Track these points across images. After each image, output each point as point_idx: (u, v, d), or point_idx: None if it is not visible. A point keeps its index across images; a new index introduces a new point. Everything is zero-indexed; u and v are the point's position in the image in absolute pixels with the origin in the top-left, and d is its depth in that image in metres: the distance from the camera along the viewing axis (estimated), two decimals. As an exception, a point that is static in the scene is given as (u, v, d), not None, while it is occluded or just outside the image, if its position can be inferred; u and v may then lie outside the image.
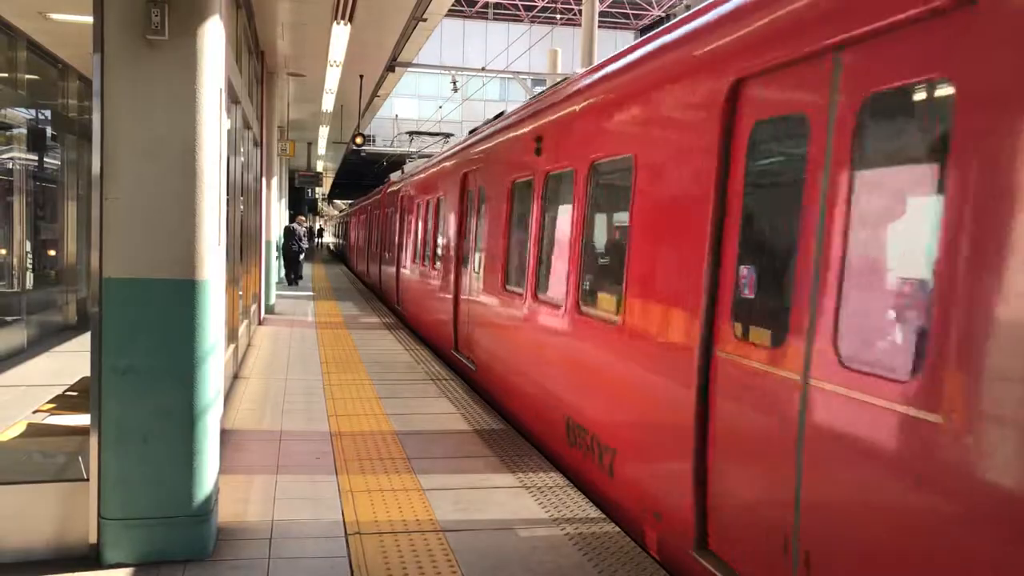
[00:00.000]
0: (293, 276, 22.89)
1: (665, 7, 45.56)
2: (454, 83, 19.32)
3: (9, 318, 9.53)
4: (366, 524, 4.63)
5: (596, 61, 13.12)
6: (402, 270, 15.43)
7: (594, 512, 4.91)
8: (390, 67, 15.85)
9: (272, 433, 6.61)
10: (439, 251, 11.74)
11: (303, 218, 25.82)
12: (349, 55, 13.34)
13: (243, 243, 10.13)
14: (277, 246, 21.57)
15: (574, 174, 6.03)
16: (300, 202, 39.76)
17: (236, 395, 8.01)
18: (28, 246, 10.11)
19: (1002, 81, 2.49)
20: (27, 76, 9.90)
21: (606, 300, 5.44)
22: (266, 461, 5.82)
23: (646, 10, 46.96)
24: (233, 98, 8.19)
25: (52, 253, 11.41)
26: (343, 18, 10.68)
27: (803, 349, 3.29)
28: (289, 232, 22.76)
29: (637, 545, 4.44)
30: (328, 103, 18.44)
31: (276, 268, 18.71)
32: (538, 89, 13.87)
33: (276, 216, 18.15)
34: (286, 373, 9.22)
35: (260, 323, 13.63)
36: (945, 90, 2.72)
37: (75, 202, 11.52)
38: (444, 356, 11.01)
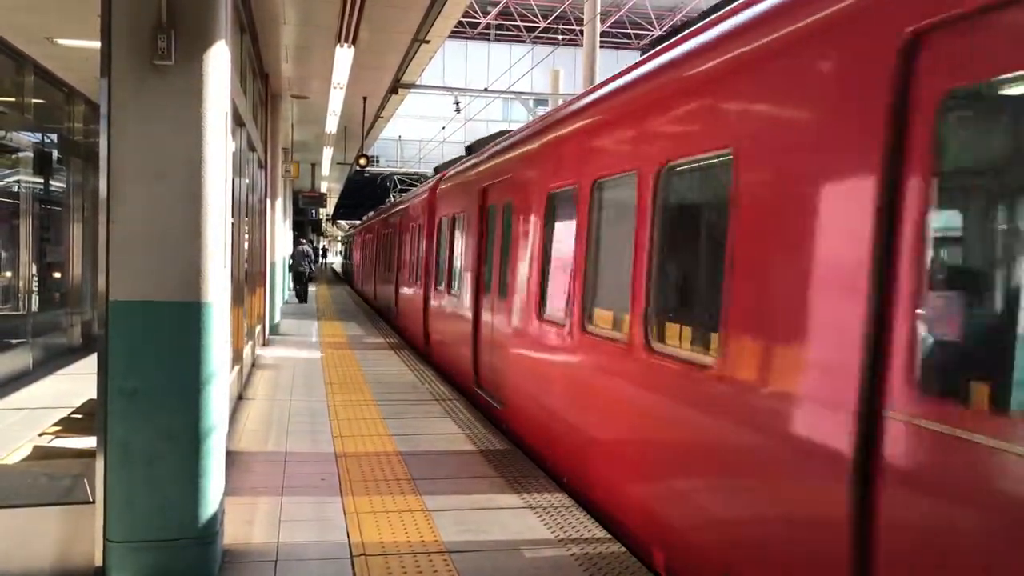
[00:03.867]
0: (302, 294, 24.76)
1: (666, 27, 45.83)
2: (457, 104, 19.43)
3: (15, 341, 9.55)
4: (371, 545, 4.62)
5: (598, 80, 13.17)
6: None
7: (600, 532, 4.90)
8: (393, 89, 15.95)
9: (277, 454, 6.61)
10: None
11: (302, 240, 27.86)
12: (352, 77, 13.43)
13: (248, 264, 10.17)
14: (289, 267, 22.94)
15: None
16: (304, 223, 39.89)
17: (241, 416, 8.01)
18: (34, 268, 10.15)
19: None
20: (34, 100, 9.99)
21: None
22: (271, 483, 5.81)
23: (648, 30, 47.23)
24: (238, 121, 8.26)
25: (57, 275, 11.45)
26: (346, 41, 10.77)
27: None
28: (300, 255, 24.84)
29: (644, 566, 4.42)
30: (332, 125, 18.55)
31: (281, 289, 18.74)
32: (540, 109, 13.99)
33: (281, 237, 18.20)
34: (291, 394, 9.22)
35: (265, 344, 13.65)
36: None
37: (80, 225, 11.58)
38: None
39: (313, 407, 8.49)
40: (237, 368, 8.55)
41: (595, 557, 4.51)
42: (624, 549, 4.63)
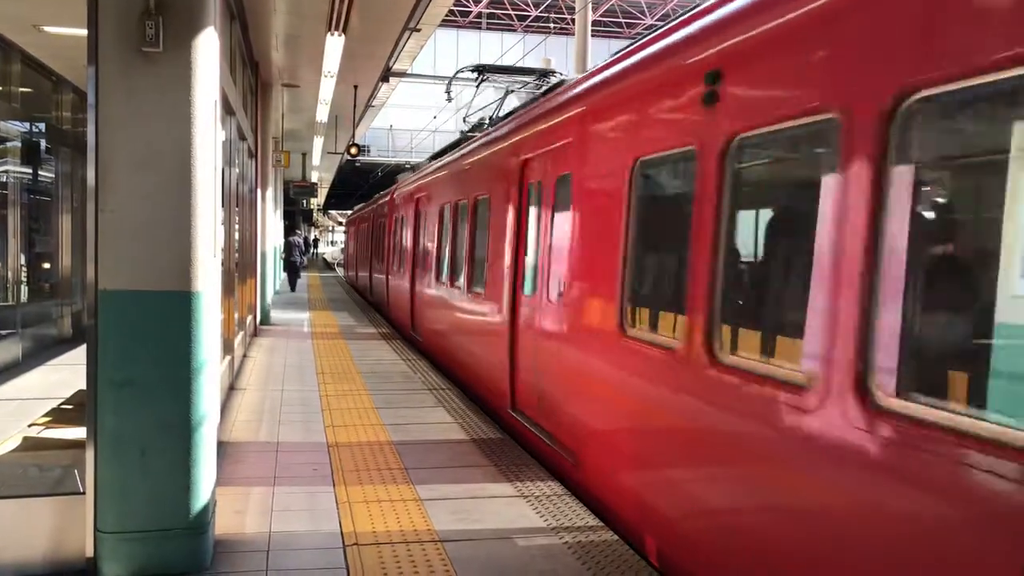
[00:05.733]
0: (292, 283, 25.96)
1: (657, 15, 45.72)
2: (448, 93, 19.32)
3: (4, 332, 9.49)
4: (364, 535, 4.61)
5: (589, 68, 13.17)
6: None
7: (592, 520, 4.90)
8: (384, 77, 15.89)
9: (269, 444, 6.59)
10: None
11: (296, 231, 28.87)
12: (343, 66, 13.36)
13: (239, 254, 10.12)
14: (283, 256, 23.49)
15: None
16: (295, 213, 39.78)
17: (232, 407, 7.98)
18: (23, 259, 10.08)
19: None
20: (21, 89, 9.90)
21: None
22: (263, 473, 5.80)
23: (638, 19, 47.10)
24: (228, 109, 8.20)
25: (47, 266, 11.38)
26: (336, 29, 10.71)
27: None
28: (290, 245, 25.95)
29: (636, 553, 4.43)
30: (322, 114, 18.46)
31: (273, 279, 18.69)
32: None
33: (272, 227, 18.13)
34: (282, 384, 9.19)
35: (256, 334, 13.60)
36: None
37: (70, 215, 11.51)
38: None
39: (305, 397, 8.47)
40: (228, 358, 8.52)
41: (587, 545, 4.52)
42: (616, 537, 4.64)
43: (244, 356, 11.06)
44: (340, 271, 47.63)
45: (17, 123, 10.20)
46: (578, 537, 4.63)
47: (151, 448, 3.92)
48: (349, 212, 46.36)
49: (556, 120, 6.56)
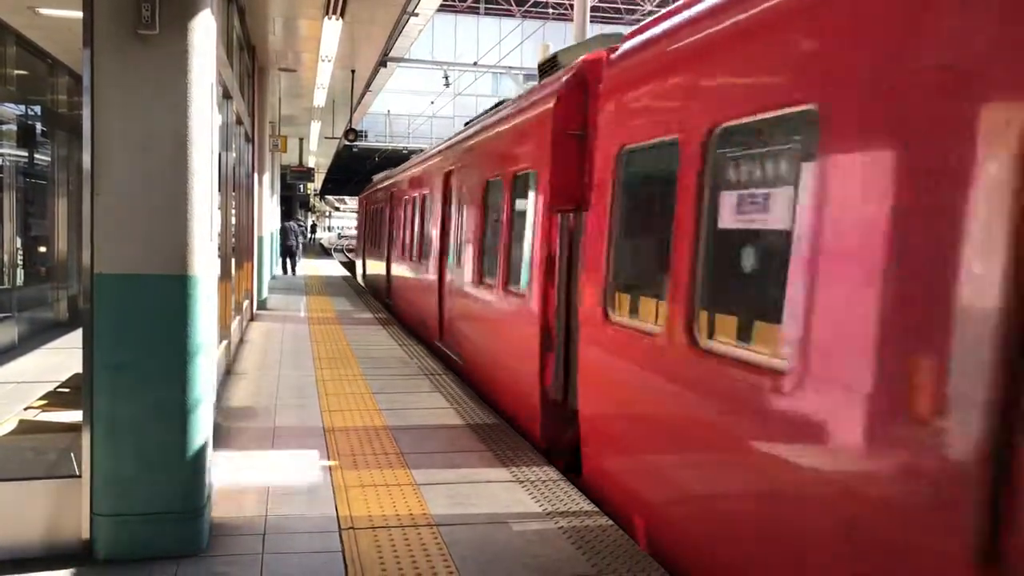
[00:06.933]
0: (291, 267, 26.29)
1: (656, 1, 45.50)
2: (446, 78, 19.31)
3: (0, 315, 9.49)
4: (360, 519, 4.63)
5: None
6: None
7: (587, 506, 4.93)
8: (382, 62, 15.83)
9: (266, 429, 6.60)
10: None
11: (297, 218, 29.52)
12: (340, 50, 13.31)
13: (236, 239, 10.11)
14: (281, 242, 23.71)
15: None
16: (292, 198, 39.71)
17: (229, 391, 7.99)
18: (18, 243, 10.07)
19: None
20: (16, 72, 9.85)
21: None
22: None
23: (638, 5, 46.89)
24: (225, 93, 8.17)
25: (43, 250, 11.36)
26: (334, 13, 10.66)
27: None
28: (286, 231, 26.04)
29: (630, 539, 4.46)
30: (320, 98, 18.40)
31: (270, 264, 18.68)
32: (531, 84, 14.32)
33: (269, 212, 18.10)
34: (279, 369, 9.20)
35: (253, 318, 13.61)
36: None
37: (66, 198, 11.48)
38: None
39: (301, 381, 8.48)
40: (225, 342, 8.53)
41: (582, 530, 4.54)
42: (611, 522, 4.67)
43: (241, 340, 11.06)
44: (338, 257, 47.29)
45: (12, 106, 10.16)
46: (573, 522, 4.65)
47: (147, 432, 3.93)
48: (347, 197, 46.10)
49: None
